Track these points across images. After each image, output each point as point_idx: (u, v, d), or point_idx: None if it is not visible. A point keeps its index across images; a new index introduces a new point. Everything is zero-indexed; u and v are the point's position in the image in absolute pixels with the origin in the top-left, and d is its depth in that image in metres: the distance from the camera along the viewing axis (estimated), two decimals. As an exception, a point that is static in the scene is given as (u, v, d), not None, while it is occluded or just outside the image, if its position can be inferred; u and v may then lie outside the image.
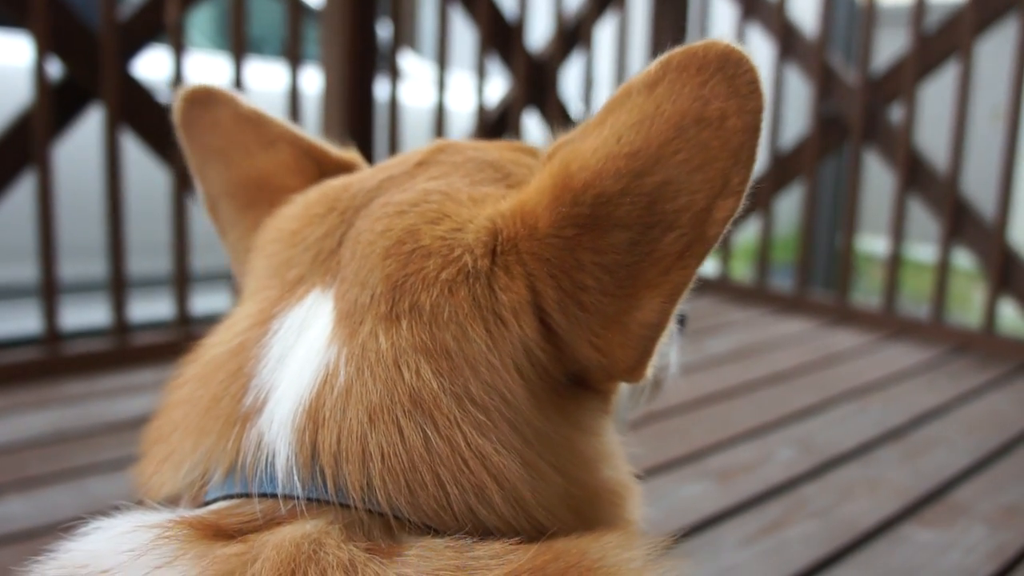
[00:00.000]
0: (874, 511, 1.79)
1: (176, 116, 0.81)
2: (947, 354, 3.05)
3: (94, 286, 3.06)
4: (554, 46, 3.44)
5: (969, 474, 2.01)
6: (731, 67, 0.53)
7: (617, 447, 0.64)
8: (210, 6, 3.94)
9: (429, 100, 3.26)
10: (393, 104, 2.89)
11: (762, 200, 3.74)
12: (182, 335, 2.58)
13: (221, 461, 0.57)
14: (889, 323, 3.36)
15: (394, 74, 2.88)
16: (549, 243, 0.57)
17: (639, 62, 4.02)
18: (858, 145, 3.47)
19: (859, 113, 3.45)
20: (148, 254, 2.95)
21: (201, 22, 4.08)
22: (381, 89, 2.80)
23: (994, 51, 3.46)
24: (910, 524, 1.76)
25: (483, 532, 0.53)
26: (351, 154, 0.83)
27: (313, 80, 2.91)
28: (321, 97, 2.73)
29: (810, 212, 3.67)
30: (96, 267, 2.74)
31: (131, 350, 2.54)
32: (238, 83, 2.58)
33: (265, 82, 3.32)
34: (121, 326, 2.54)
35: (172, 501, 0.58)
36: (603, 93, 4.22)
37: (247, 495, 0.54)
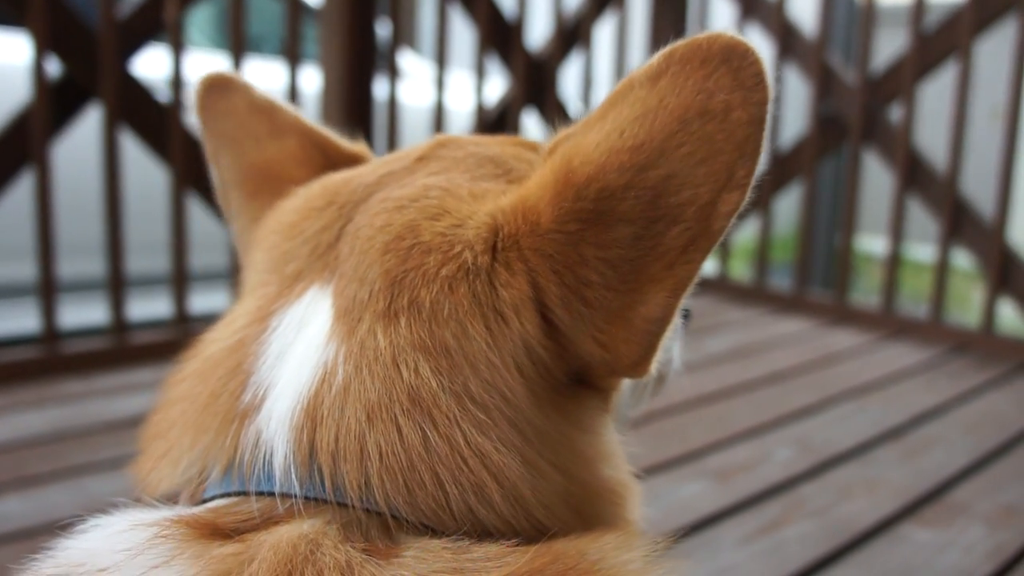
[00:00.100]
0: (872, 511, 1.79)
1: (195, 103, 0.81)
2: (946, 354, 3.05)
3: (93, 285, 3.05)
4: (553, 45, 3.44)
5: (968, 474, 2.01)
6: (736, 59, 0.53)
7: (617, 446, 0.64)
8: (209, 4, 3.94)
9: (428, 99, 3.26)
10: (392, 103, 2.89)
11: (761, 200, 3.74)
12: (181, 334, 2.58)
13: (219, 458, 0.56)
14: (888, 323, 3.36)
15: (393, 73, 2.87)
16: (552, 238, 0.56)
17: (638, 61, 4.01)
18: (857, 145, 3.47)
19: (858, 113, 3.45)
20: (147, 253, 2.95)
21: (200, 20, 4.07)
22: (380, 88, 2.80)
23: (993, 51, 3.47)
24: (908, 524, 1.76)
25: (482, 532, 0.53)
26: (360, 147, 0.83)
27: (312, 79, 2.91)
28: (320, 96, 2.73)
29: (809, 212, 3.67)
30: (95, 266, 2.74)
31: (129, 349, 2.54)
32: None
33: (264, 81, 3.31)
34: (119, 325, 2.53)
35: (170, 498, 0.58)
36: (602, 92, 4.22)
37: (245, 493, 0.54)
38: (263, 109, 0.81)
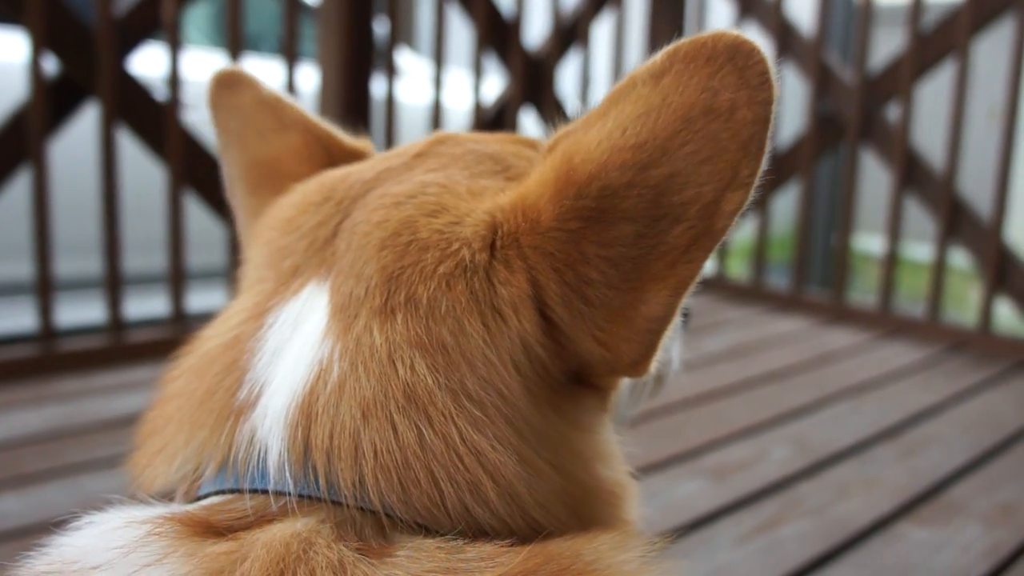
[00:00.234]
0: (869, 509, 1.79)
1: (207, 99, 0.82)
2: (943, 353, 3.06)
3: (90, 283, 3.05)
4: (551, 44, 3.44)
5: (964, 473, 2.01)
6: (741, 58, 0.52)
7: (615, 446, 0.64)
8: (207, 3, 3.94)
9: (426, 98, 3.26)
10: (390, 102, 2.89)
11: (759, 199, 3.73)
12: (178, 332, 2.57)
13: (214, 456, 0.56)
14: (885, 322, 3.36)
15: (391, 72, 2.87)
16: (552, 236, 0.56)
17: (636, 60, 4.02)
18: (855, 144, 3.47)
19: (856, 112, 3.45)
20: (144, 251, 2.95)
21: (198, 19, 4.07)
22: (378, 87, 2.80)
23: (991, 50, 3.47)
24: (905, 523, 1.76)
25: (477, 531, 0.53)
26: (363, 143, 0.83)
27: (310, 77, 2.91)
28: (318, 94, 2.73)
29: (806, 211, 3.67)
30: (92, 264, 2.74)
31: (126, 347, 2.54)
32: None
33: (262, 79, 3.31)
34: (117, 323, 2.53)
35: (165, 495, 0.58)
36: (600, 91, 4.22)
37: (239, 491, 0.54)
38: (269, 105, 0.81)
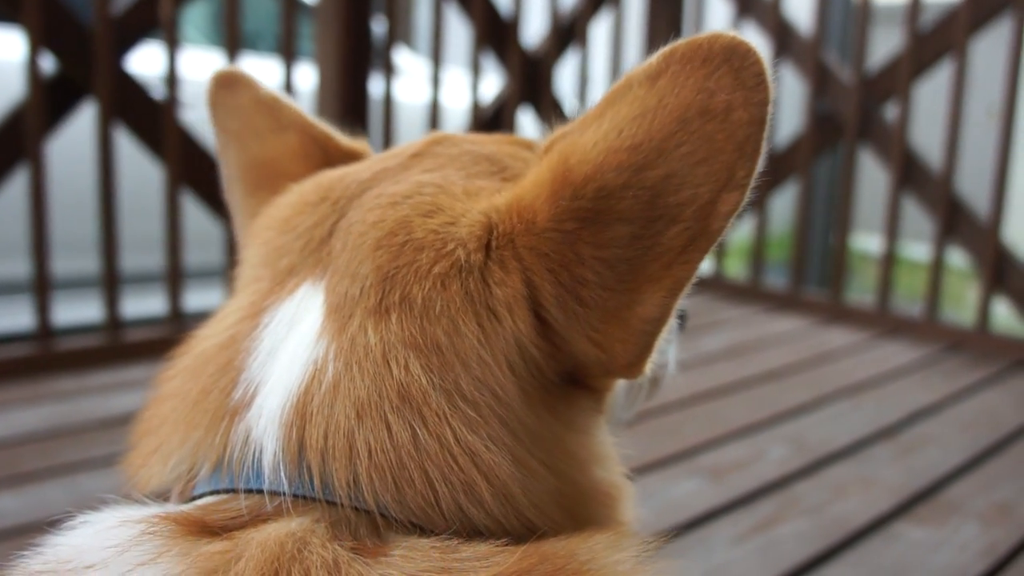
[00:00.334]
0: (867, 509, 1.80)
1: (206, 99, 0.82)
2: (940, 352, 3.06)
3: (87, 282, 3.05)
4: (549, 43, 3.44)
5: (962, 472, 2.02)
6: (737, 59, 0.52)
7: (610, 448, 0.64)
8: (204, 1, 3.93)
9: (424, 97, 3.25)
10: (388, 101, 2.89)
11: (756, 198, 3.74)
12: (175, 331, 2.57)
13: (209, 455, 0.56)
14: (883, 321, 3.36)
15: (389, 71, 2.87)
16: (548, 237, 0.56)
17: (634, 59, 4.02)
18: (852, 143, 3.48)
19: (854, 111, 3.45)
20: (141, 250, 2.94)
21: (195, 17, 4.07)
22: (376, 86, 2.80)
23: (989, 50, 3.47)
24: (902, 522, 1.76)
25: (472, 531, 0.52)
26: (361, 144, 0.83)
27: (307, 76, 2.90)
28: (316, 93, 2.72)
29: (804, 210, 3.67)
30: (89, 263, 2.73)
31: (124, 346, 2.54)
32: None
33: (259, 78, 3.30)
34: (114, 322, 2.53)
35: (160, 495, 0.58)
36: (598, 90, 4.22)
37: (234, 490, 0.54)
38: (267, 105, 0.81)
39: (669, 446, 2.07)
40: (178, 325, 2.60)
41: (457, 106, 3.83)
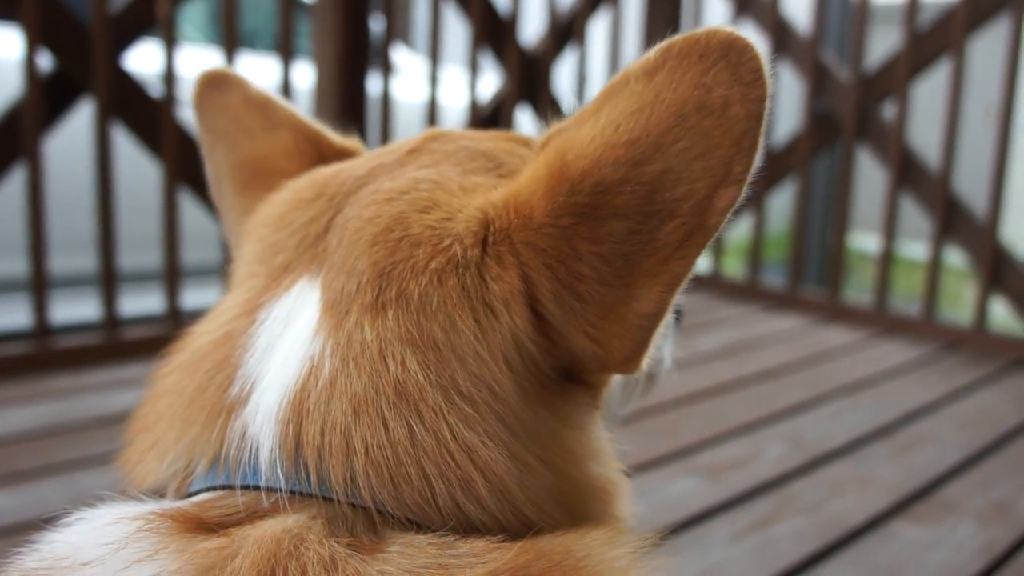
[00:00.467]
0: (864, 507, 1.80)
1: (192, 99, 0.82)
2: (938, 351, 3.06)
3: (84, 280, 3.05)
4: (547, 42, 3.44)
5: (959, 471, 2.02)
6: (735, 55, 0.52)
7: (606, 444, 0.64)
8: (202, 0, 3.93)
9: (422, 95, 3.25)
10: (385, 99, 2.88)
11: (754, 197, 3.74)
12: (173, 329, 2.57)
13: (205, 452, 0.56)
14: (880, 320, 3.36)
15: (387, 69, 2.87)
16: (544, 232, 0.56)
17: (632, 58, 4.01)
18: (850, 142, 3.48)
19: (852, 110, 3.46)
20: (139, 248, 2.94)
21: (193, 15, 4.06)
22: (373, 84, 2.80)
23: (986, 49, 3.47)
24: (900, 520, 1.76)
25: (469, 527, 0.52)
26: (353, 142, 0.83)
27: (305, 75, 2.90)
28: (313, 92, 2.72)
29: (802, 209, 3.67)
30: (86, 261, 2.73)
31: (121, 344, 2.53)
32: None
33: (257, 76, 3.30)
34: (111, 320, 2.53)
35: (157, 492, 0.58)
36: (596, 89, 4.22)
37: (230, 487, 0.54)
38: (258, 104, 0.81)
39: (666, 444, 2.08)
40: (176, 323, 2.60)
41: (455, 104, 3.83)
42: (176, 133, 2.53)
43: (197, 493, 0.55)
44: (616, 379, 0.74)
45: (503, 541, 0.50)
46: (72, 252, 2.93)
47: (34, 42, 2.27)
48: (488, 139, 0.71)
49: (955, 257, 3.61)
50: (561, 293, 0.56)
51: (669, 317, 0.58)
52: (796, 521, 1.73)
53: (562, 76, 3.69)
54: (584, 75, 3.60)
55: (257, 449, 0.54)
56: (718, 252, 4.00)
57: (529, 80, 3.36)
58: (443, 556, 0.49)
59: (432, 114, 3.05)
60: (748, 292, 3.80)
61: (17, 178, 2.37)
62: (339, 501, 0.52)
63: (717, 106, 0.52)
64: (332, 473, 0.52)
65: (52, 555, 0.49)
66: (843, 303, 3.51)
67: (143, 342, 2.54)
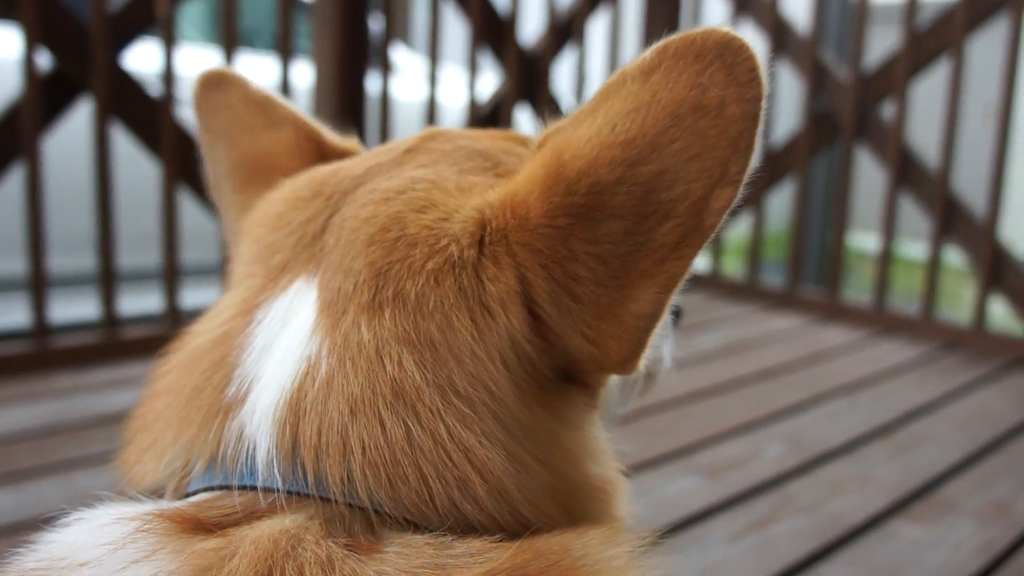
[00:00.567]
0: (863, 507, 1.80)
1: (192, 99, 0.82)
2: (937, 351, 3.06)
3: (83, 279, 3.04)
4: (546, 41, 3.44)
5: (958, 470, 2.02)
6: (730, 54, 0.52)
7: (604, 443, 0.64)
8: (201, -1, 3.93)
9: (421, 94, 3.25)
10: (385, 98, 2.88)
11: (754, 196, 3.74)
12: (172, 328, 2.57)
13: (202, 452, 0.56)
14: (879, 320, 3.36)
15: (386, 68, 2.87)
16: (541, 233, 0.56)
17: (631, 57, 4.01)
18: (849, 142, 3.48)
19: (851, 110, 3.46)
20: (137, 247, 2.94)
21: (192, 15, 4.06)
22: (373, 83, 2.80)
23: (985, 49, 3.47)
24: (898, 520, 1.76)
25: (466, 527, 0.52)
26: (352, 142, 0.83)
27: (304, 74, 2.90)
28: (312, 91, 2.72)
29: (801, 209, 3.67)
30: (85, 260, 2.73)
31: (120, 343, 2.53)
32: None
33: (256, 75, 3.30)
34: (110, 319, 2.53)
35: (155, 491, 0.58)
36: (595, 88, 4.22)
37: (228, 487, 0.54)
38: (259, 102, 0.82)
39: (665, 444, 2.08)
40: (175, 322, 2.60)
41: (454, 104, 3.83)
42: (175, 132, 2.53)
43: (195, 493, 0.55)
44: (614, 379, 0.74)
45: (500, 541, 0.50)
46: (71, 251, 2.93)
47: (33, 41, 2.27)
48: (486, 138, 0.71)
49: (954, 256, 3.61)
50: (557, 294, 0.56)
51: (667, 317, 0.58)
52: (795, 520, 1.73)
53: (561, 76, 3.69)
54: (583, 75, 3.60)
55: (254, 449, 0.54)
56: (717, 251, 4.00)
57: (528, 79, 3.36)
58: (440, 556, 0.49)
59: (431, 113, 3.05)
60: (747, 291, 3.80)
61: (16, 177, 2.37)
62: (336, 501, 0.52)
63: (713, 106, 0.52)
64: (329, 473, 0.52)
65: (50, 556, 0.49)
66: (842, 302, 3.51)
67: (142, 341, 2.54)
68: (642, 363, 0.59)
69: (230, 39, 2.58)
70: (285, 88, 2.67)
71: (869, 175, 3.87)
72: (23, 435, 1.99)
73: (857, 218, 3.75)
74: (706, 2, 4.12)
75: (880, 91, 3.44)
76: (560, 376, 0.60)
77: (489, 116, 3.31)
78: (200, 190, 2.63)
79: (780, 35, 3.71)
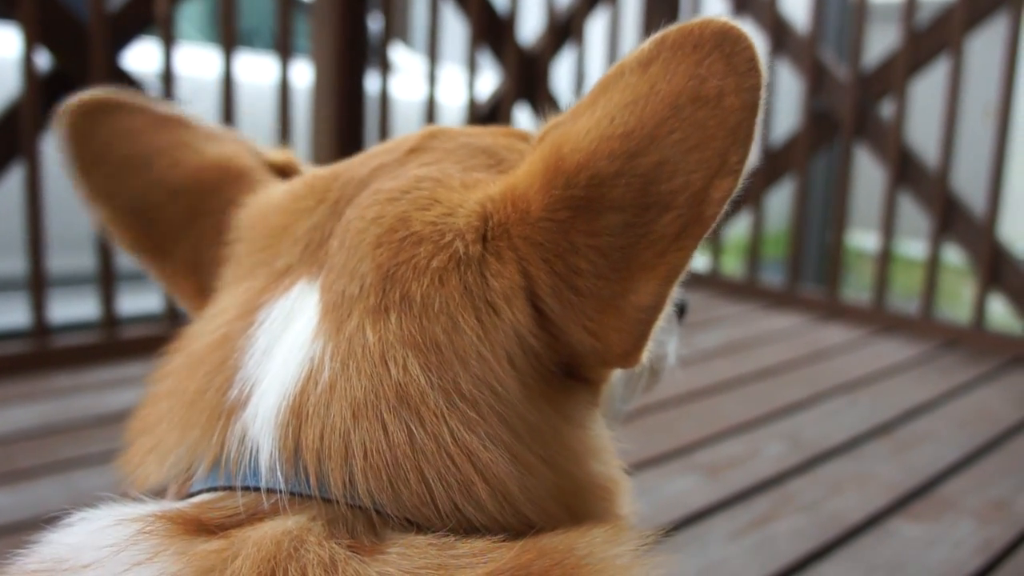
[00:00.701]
0: (862, 505, 1.80)
1: (65, 130, 0.74)
2: (936, 349, 3.06)
3: (83, 279, 3.04)
4: (545, 40, 3.43)
5: (957, 469, 2.02)
6: (728, 44, 0.52)
7: (607, 441, 0.63)
8: (200, -2, 3.92)
9: (420, 94, 3.25)
10: (384, 98, 2.88)
11: (753, 195, 3.75)
12: (171, 328, 2.56)
13: (205, 455, 0.56)
14: (879, 318, 3.36)
15: (385, 68, 2.87)
16: (542, 226, 0.56)
17: (631, 57, 4.01)
18: (849, 141, 3.48)
19: (850, 109, 3.46)
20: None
21: (191, 14, 4.06)
22: (372, 83, 2.80)
23: (984, 48, 3.47)
24: (898, 518, 1.76)
25: (469, 528, 0.52)
26: (289, 155, 0.80)
27: (303, 73, 2.90)
28: (311, 90, 2.72)
29: (801, 207, 3.67)
30: (85, 260, 2.73)
31: (120, 343, 2.53)
32: (228, 76, 2.57)
33: (255, 75, 3.31)
34: (110, 319, 2.53)
35: (157, 493, 0.58)
36: (595, 87, 4.22)
37: (230, 488, 0.54)
38: (178, 121, 0.77)
39: (665, 443, 2.08)
40: (174, 322, 2.60)
41: (453, 103, 3.83)
42: (174, 132, 2.53)
43: (197, 494, 0.55)
44: (618, 375, 0.74)
45: (504, 541, 0.50)
46: (71, 251, 2.93)
47: (32, 41, 2.27)
48: (488, 135, 0.71)
49: (953, 255, 3.61)
50: (559, 287, 0.56)
51: (668, 311, 0.58)
52: (795, 519, 1.73)
53: (560, 75, 3.69)
54: (582, 74, 3.60)
55: (257, 452, 0.54)
56: (717, 250, 4.00)
57: (527, 79, 3.36)
58: (443, 556, 0.49)
59: (431, 113, 3.05)
60: (747, 290, 3.80)
61: (15, 177, 2.37)
62: (338, 503, 0.52)
63: (712, 96, 0.52)
64: (331, 477, 0.52)
65: (52, 556, 0.49)
66: (842, 301, 3.51)
67: (142, 341, 2.54)
68: (645, 356, 0.59)
69: (229, 39, 2.58)
70: (284, 87, 2.66)
71: (868, 174, 3.87)
72: (22, 435, 1.99)
73: (856, 217, 3.75)
74: (705, 1, 4.12)
75: (879, 90, 3.44)
76: (564, 372, 0.60)
77: (488, 115, 3.31)
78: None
79: (779, 34, 3.71)
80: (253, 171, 0.74)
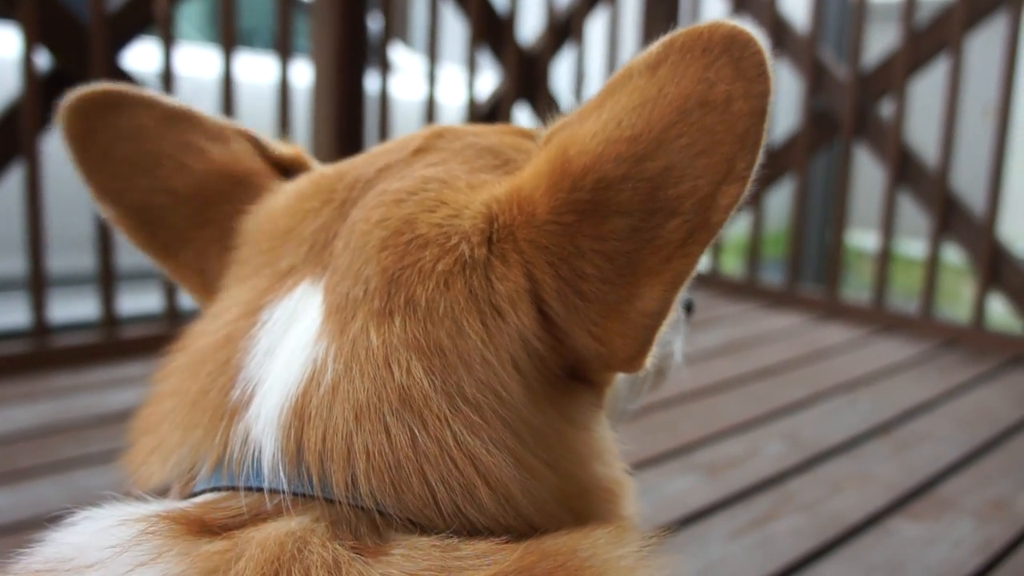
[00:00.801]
0: (862, 505, 1.80)
1: (69, 127, 0.72)
2: (936, 349, 3.06)
3: (83, 278, 3.04)
4: (545, 40, 3.43)
5: (957, 468, 2.02)
6: (737, 49, 0.51)
7: (610, 443, 0.63)
8: (200, -2, 3.92)
9: (420, 93, 3.25)
10: (384, 97, 2.88)
11: (753, 195, 3.74)
12: (171, 328, 2.56)
13: (208, 455, 0.56)
14: (879, 318, 3.36)
15: (385, 67, 2.87)
16: (547, 230, 0.55)
17: (630, 56, 4.02)
18: (848, 140, 3.48)
19: (850, 108, 3.46)
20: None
21: (191, 14, 4.06)
22: (371, 82, 2.80)
23: (984, 47, 3.47)
24: (898, 518, 1.76)
25: (471, 530, 0.52)
26: (296, 149, 0.79)
27: (303, 73, 2.90)
28: (311, 90, 2.72)
29: (800, 207, 3.67)
30: (85, 260, 2.73)
31: (120, 343, 2.53)
32: (228, 76, 2.57)
33: (255, 75, 3.30)
34: (110, 319, 2.53)
35: (161, 492, 0.58)
36: (594, 87, 4.21)
37: (233, 488, 0.54)
38: (186, 117, 0.75)
39: (665, 442, 2.08)
40: (174, 321, 2.60)
41: (453, 103, 3.83)
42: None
43: (200, 494, 0.55)
44: (623, 376, 0.73)
45: (507, 542, 0.50)
46: (70, 250, 2.93)
47: (32, 41, 2.27)
48: (493, 133, 0.70)
49: (953, 254, 3.61)
50: (564, 291, 0.56)
51: (675, 314, 0.57)
52: (795, 518, 1.73)
53: (560, 75, 3.69)
54: (582, 74, 3.60)
55: (260, 453, 0.54)
56: (717, 250, 4.00)
57: (527, 79, 3.36)
58: (447, 558, 0.49)
59: (430, 112, 3.05)
60: (746, 290, 3.80)
61: (15, 177, 2.37)
62: (341, 504, 0.52)
63: (720, 102, 0.51)
64: (333, 479, 0.52)
65: (56, 556, 0.49)
66: (841, 301, 3.51)
67: (142, 341, 2.54)
68: (649, 361, 0.58)
69: (229, 39, 2.58)
70: (284, 87, 2.66)
71: (868, 173, 3.87)
72: (22, 434, 1.99)
73: (856, 216, 3.75)
74: (705, 1, 4.12)
75: (879, 89, 3.44)
76: (568, 375, 0.60)
77: (488, 115, 3.31)
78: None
79: (779, 33, 3.71)
80: (259, 176, 0.73)
